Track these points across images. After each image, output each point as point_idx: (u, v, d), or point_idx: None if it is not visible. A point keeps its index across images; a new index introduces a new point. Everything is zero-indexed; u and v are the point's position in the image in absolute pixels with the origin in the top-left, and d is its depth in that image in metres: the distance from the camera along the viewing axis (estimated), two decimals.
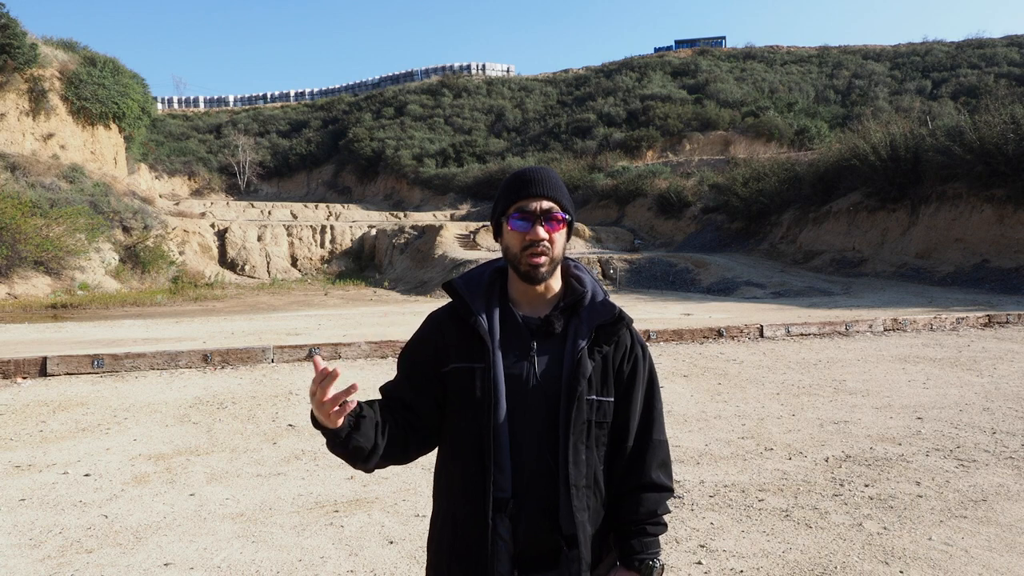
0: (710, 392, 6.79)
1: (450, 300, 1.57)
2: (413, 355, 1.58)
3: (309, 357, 8.38)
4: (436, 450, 1.61)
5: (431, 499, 1.61)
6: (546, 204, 1.49)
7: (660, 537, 1.55)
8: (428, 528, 1.61)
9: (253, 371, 7.80)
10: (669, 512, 1.58)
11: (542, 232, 1.47)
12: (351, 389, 1.33)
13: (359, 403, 1.43)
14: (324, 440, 1.43)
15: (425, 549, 3.37)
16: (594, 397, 1.49)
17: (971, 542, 3.42)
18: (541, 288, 1.53)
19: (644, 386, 1.57)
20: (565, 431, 1.45)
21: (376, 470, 1.50)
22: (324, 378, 1.31)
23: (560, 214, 1.50)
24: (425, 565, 1.61)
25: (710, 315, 12.38)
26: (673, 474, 1.62)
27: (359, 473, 4.44)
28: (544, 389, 1.48)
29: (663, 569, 1.53)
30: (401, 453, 1.51)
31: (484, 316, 1.50)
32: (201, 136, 58.21)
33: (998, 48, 49.12)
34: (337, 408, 1.33)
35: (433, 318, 1.60)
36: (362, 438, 1.40)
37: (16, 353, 7.74)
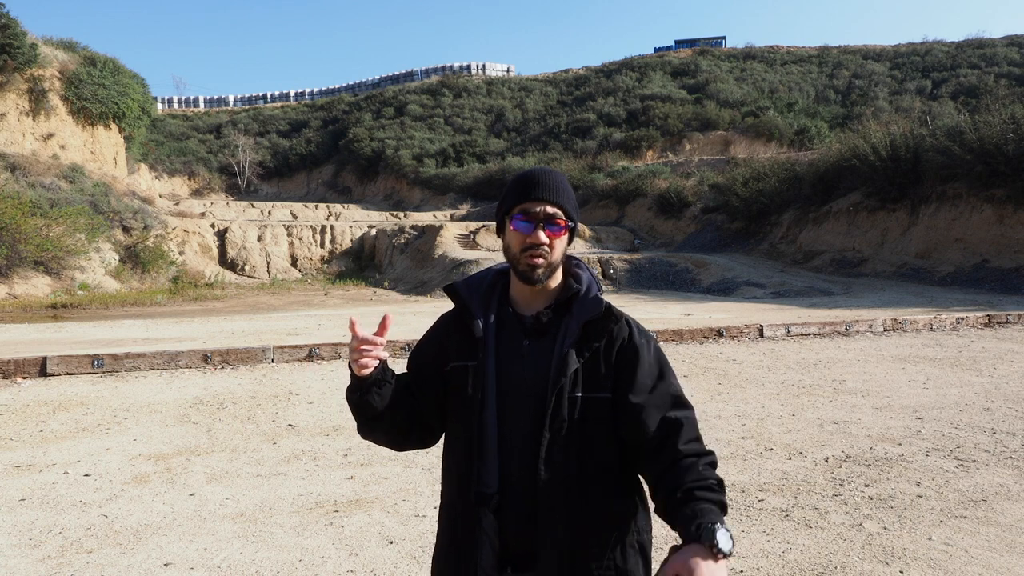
0: (710, 392, 6.79)
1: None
2: (419, 354, 1.63)
3: (309, 357, 8.38)
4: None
5: (431, 499, 1.64)
6: (550, 209, 1.50)
7: (719, 510, 1.32)
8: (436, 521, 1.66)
9: (253, 371, 7.80)
10: (721, 480, 1.39)
11: (543, 236, 1.49)
12: (382, 332, 1.48)
13: (394, 374, 1.53)
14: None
15: (424, 549, 3.38)
16: (579, 394, 1.46)
17: (971, 542, 3.42)
18: (539, 287, 1.54)
19: (654, 372, 1.51)
20: (542, 428, 1.45)
21: (369, 441, 1.59)
22: (362, 342, 1.45)
23: (563, 220, 1.51)
24: (430, 561, 1.65)
25: (710, 315, 12.38)
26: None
27: (359, 473, 4.45)
28: (533, 387, 1.48)
29: (731, 538, 1.25)
30: (401, 437, 1.59)
31: (480, 317, 1.53)
32: (201, 136, 58.21)
33: (998, 48, 49.12)
34: (367, 359, 1.44)
35: (442, 319, 1.64)
36: (378, 399, 1.49)
37: (16, 353, 7.73)
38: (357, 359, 1.44)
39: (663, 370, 1.53)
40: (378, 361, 1.46)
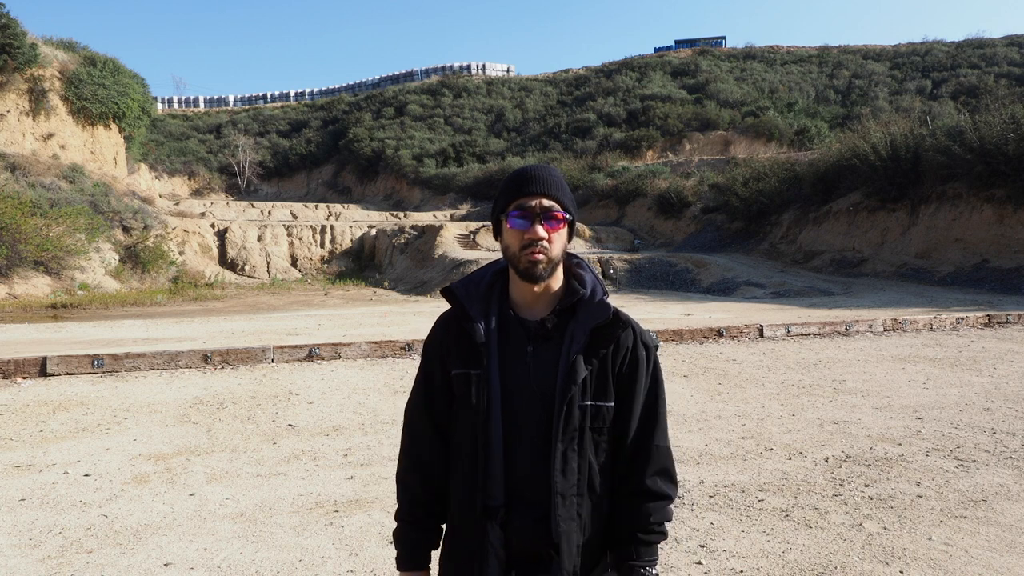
0: (710, 392, 6.79)
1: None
2: (432, 354, 1.58)
3: (309, 357, 8.38)
4: None
5: None
6: (546, 202, 1.46)
7: (658, 545, 1.51)
8: None
9: (253, 371, 7.80)
10: (669, 520, 1.53)
11: (541, 231, 1.44)
12: None
13: (424, 545, 1.58)
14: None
15: None
16: (589, 402, 1.45)
17: (971, 542, 3.42)
18: (540, 288, 1.49)
19: (645, 389, 1.52)
20: (555, 438, 1.43)
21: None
22: None
23: (560, 213, 1.47)
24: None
25: (710, 315, 12.38)
26: (678, 478, 1.58)
27: (359, 473, 4.45)
28: (539, 394, 1.45)
29: None
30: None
31: (481, 321, 1.48)
32: (201, 136, 58.16)
33: (998, 48, 49.08)
34: None
35: (441, 321, 1.59)
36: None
37: (16, 353, 7.74)
38: None
39: (656, 389, 1.54)
40: None
